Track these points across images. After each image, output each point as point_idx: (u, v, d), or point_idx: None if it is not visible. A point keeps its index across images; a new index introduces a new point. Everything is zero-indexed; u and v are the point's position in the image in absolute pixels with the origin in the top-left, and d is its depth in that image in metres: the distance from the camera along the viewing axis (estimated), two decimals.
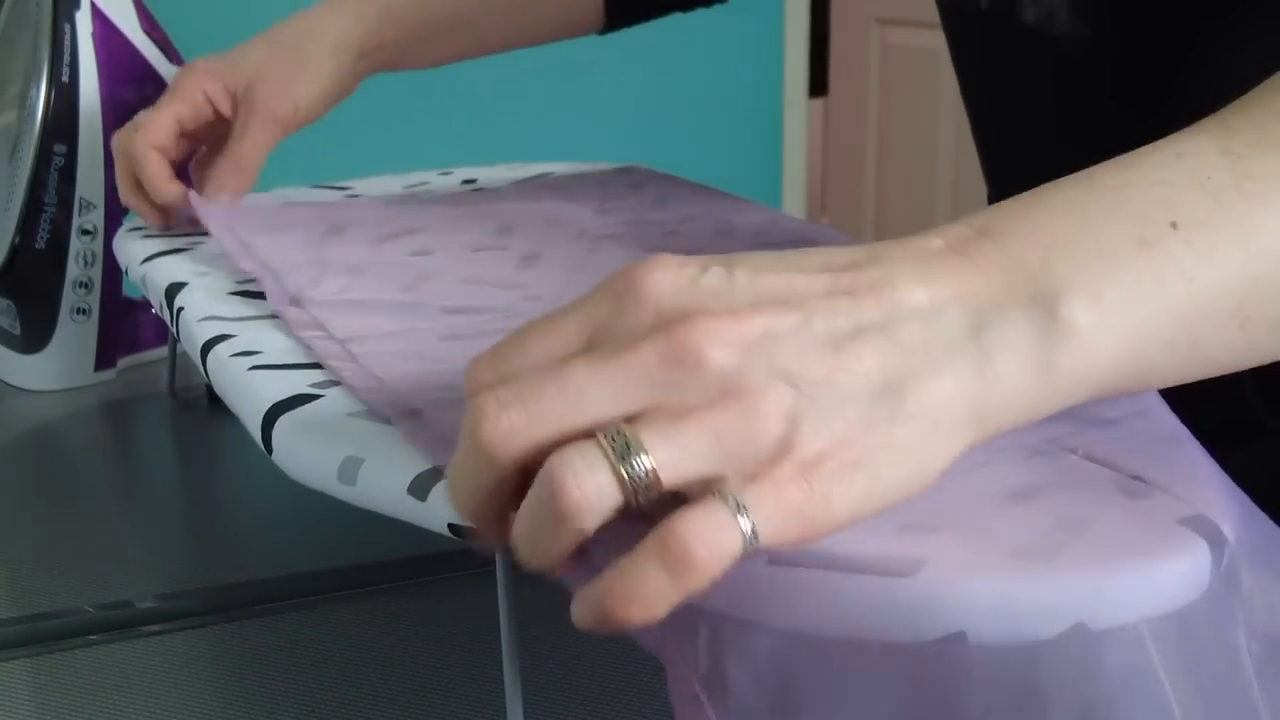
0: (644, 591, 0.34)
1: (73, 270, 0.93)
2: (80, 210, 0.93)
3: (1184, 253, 0.38)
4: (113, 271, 0.94)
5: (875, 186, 3.09)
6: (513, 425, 0.35)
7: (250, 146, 0.81)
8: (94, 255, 0.94)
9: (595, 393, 0.35)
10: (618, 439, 0.34)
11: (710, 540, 0.33)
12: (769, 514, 0.34)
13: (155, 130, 0.81)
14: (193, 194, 0.80)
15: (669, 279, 0.36)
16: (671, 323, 0.35)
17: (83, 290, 0.94)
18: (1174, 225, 0.38)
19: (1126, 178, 0.39)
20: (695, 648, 0.36)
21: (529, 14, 0.92)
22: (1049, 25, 0.66)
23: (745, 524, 0.34)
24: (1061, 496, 0.40)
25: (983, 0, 0.70)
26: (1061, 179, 0.40)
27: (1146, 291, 0.37)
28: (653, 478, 0.34)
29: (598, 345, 0.36)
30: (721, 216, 0.79)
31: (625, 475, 0.34)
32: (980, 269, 0.37)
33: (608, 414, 0.35)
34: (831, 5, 3.14)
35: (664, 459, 0.34)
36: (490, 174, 0.97)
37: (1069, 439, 0.44)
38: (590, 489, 0.34)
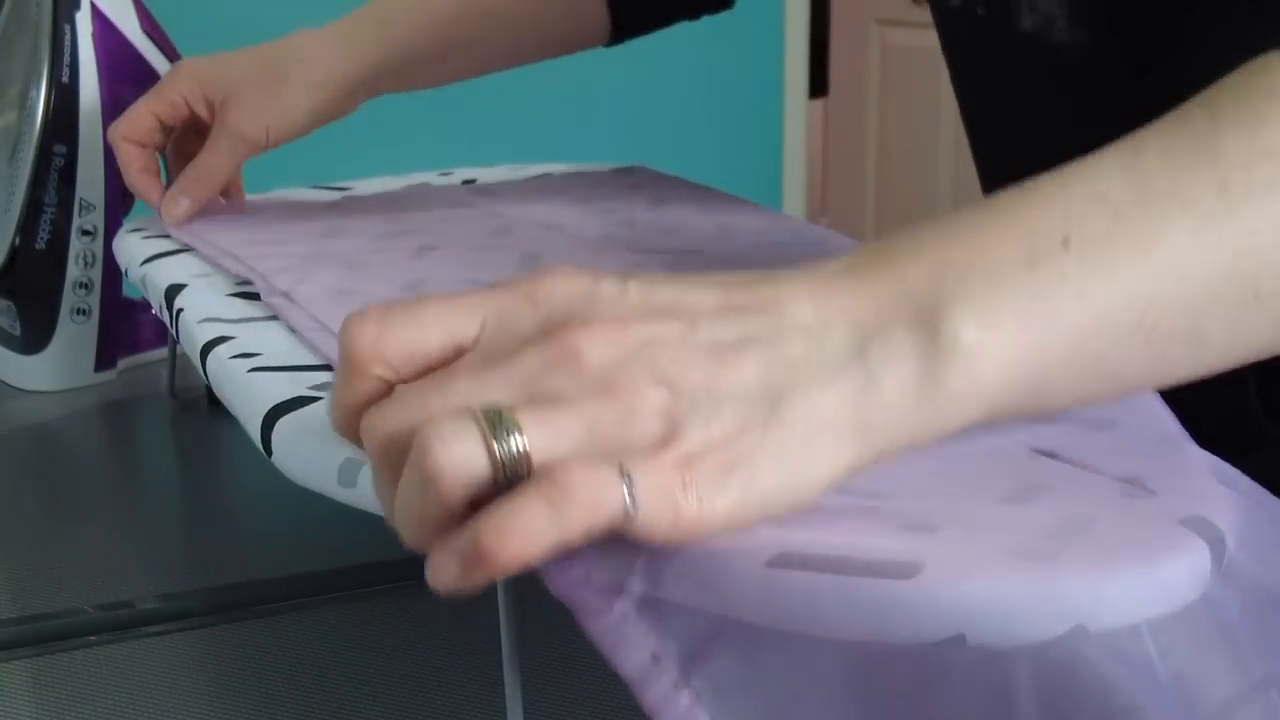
0: (523, 524, 0.34)
1: (73, 271, 0.93)
2: (80, 211, 0.93)
3: (1077, 269, 0.38)
4: (113, 272, 0.94)
5: (875, 187, 3.09)
6: (388, 417, 0.36)
7: (215, 161, 0.82)
8: (94, 256, 0.94)
9: (474, 389, 0.36)
10: (492, 414, 0.34)
11: (597, 488, 0.34)
12: (648, 491, 0.34)
13: (131, 124, 0.82)
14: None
15: (564, 286, 0.38)
16: (558, 326, 0.36)
17: (83, 291, 0.94)
18: (1066, 242, 0.38)
19: (1026, 200, 0.39)
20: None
21: (534, 30, 0.91)
22: (1047, 33, 0.66)
23: (626, 492, 0.34)
24: (1061, 498, 0.40)
25: (979, 7, 0.69)
26: (967, 205, 0.40)
27: (1035, 309, 0.37)
28: (522, 456, 0.34)
29: (485, 340, 0.37)
30: (721, 217, 0.79)
31: (495, 450, 0.34)
32: (869, 289, 0.38)
33: (486, 402, 0.35)
34: (831, 6, 3.14)
35: (537, 440, 0.34)
36: (490, 174, 0.97)
37: (1068, 442, 0.44)
38: (458, 454, 0.34)
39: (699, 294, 0.38)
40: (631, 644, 0.36)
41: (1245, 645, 0.38)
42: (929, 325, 0.37)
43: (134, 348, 0.99)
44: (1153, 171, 0.39)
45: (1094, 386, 0.39)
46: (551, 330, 0.36)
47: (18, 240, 0.92)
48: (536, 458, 0.34)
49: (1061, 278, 0.38)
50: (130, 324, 0.98)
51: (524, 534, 0.34)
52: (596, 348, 0.36)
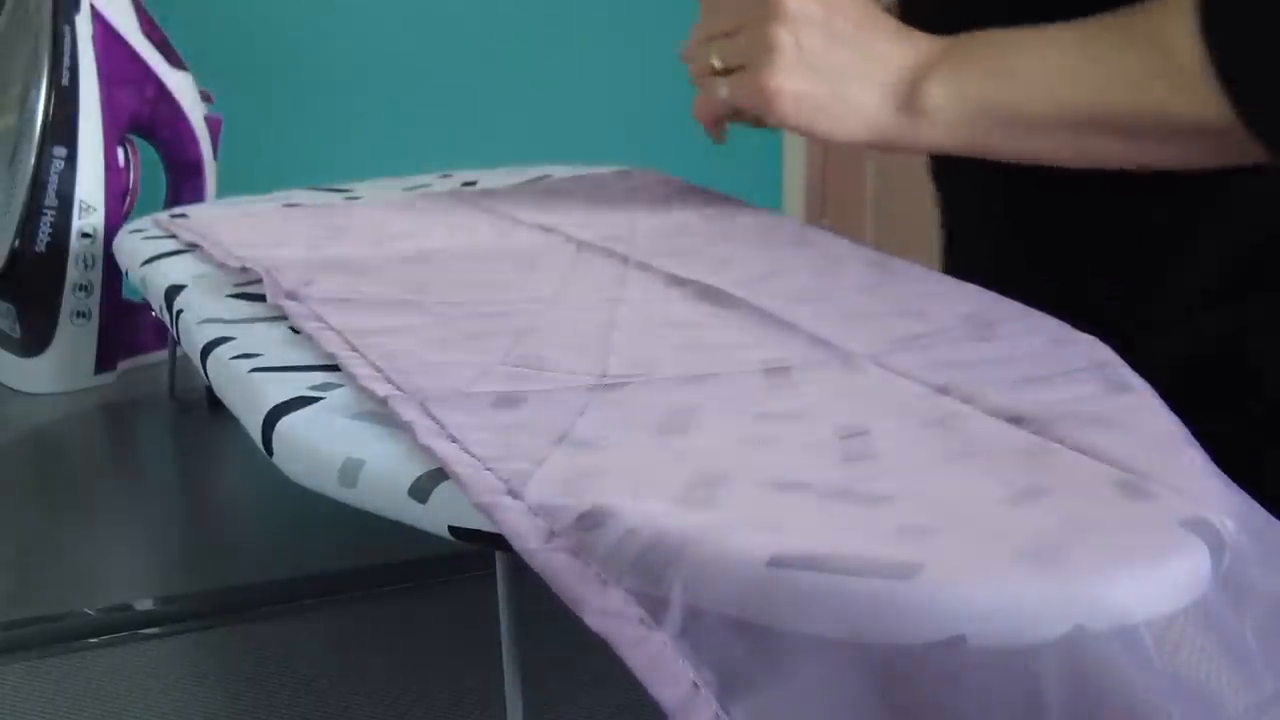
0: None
1: (73, 273, 0.93)
2: (80, 213, 0.93)
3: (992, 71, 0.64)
4: (113, 274, 0.94)
5: (875, 188, 3.09)
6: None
7: None
8: (94, 258, 0.94)
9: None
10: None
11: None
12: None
13: None
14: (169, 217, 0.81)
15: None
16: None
17: (83, 293, 0.94)
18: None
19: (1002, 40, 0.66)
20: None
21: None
22: None
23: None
24: (1061, 498, 0.40)
25: None
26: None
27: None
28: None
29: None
30: (722, 219, 0.80)
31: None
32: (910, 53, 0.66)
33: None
34: None
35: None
36: (491, 176, 0.97)
37: (1064, 430, 0.44)
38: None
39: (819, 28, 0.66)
40: (671, 674, 0.36)
41: (1253, 652, 0.38)
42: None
43: (134, 350, 0.99)
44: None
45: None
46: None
47: (18, 242, 0.92)
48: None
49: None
50: (130, 326, 0.98)
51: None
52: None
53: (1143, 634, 0.35)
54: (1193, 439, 0.44)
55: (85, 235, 0.93)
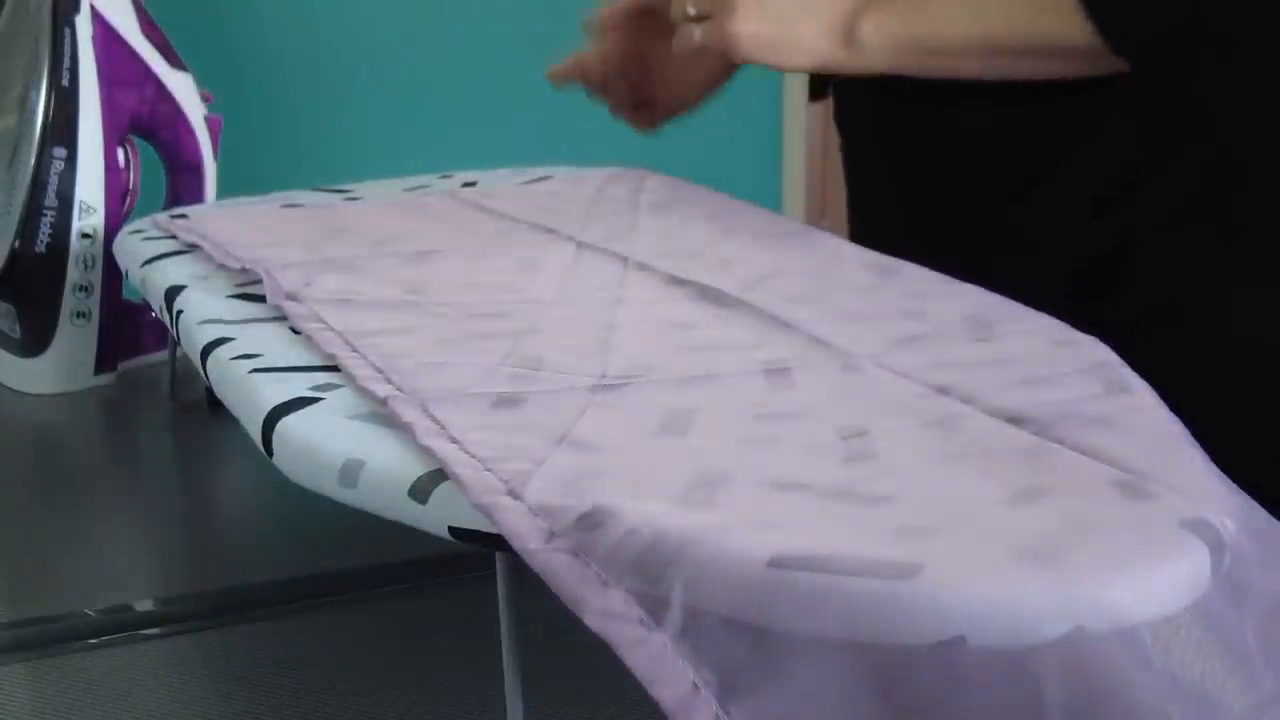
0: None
1: (73, 274, 0.93)
2: (80, 214, 0.93)
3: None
4: (113, 275, 0.94)
5: None
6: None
7: None
8: (94, 259, 0.94)
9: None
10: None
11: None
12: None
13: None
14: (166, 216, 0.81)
15: None
16: None
17: (83, 294, 0.94)
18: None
19: None
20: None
21: None
22: None
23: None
24: (1061, 499, 0.40)
25: None
26: None
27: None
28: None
29: None
30: (722, 220, 0.79)
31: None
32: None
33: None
34: None
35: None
36: (491, 177, 0.97)
37: (1064, 431, 0.44)
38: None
39: None
40: (671, 675, 0.36)
41: (1253, 652, 0.38)
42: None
43: (134, 350, 0.99)
44: None
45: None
46: None
47: (18, 243, 0.92)
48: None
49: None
50: (130, 327, 0.98)
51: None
52: None
53: (1142, 634, 0.35)
54: (1193, 439, 0.44)
55: (85, 236, 0.93)
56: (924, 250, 0.68)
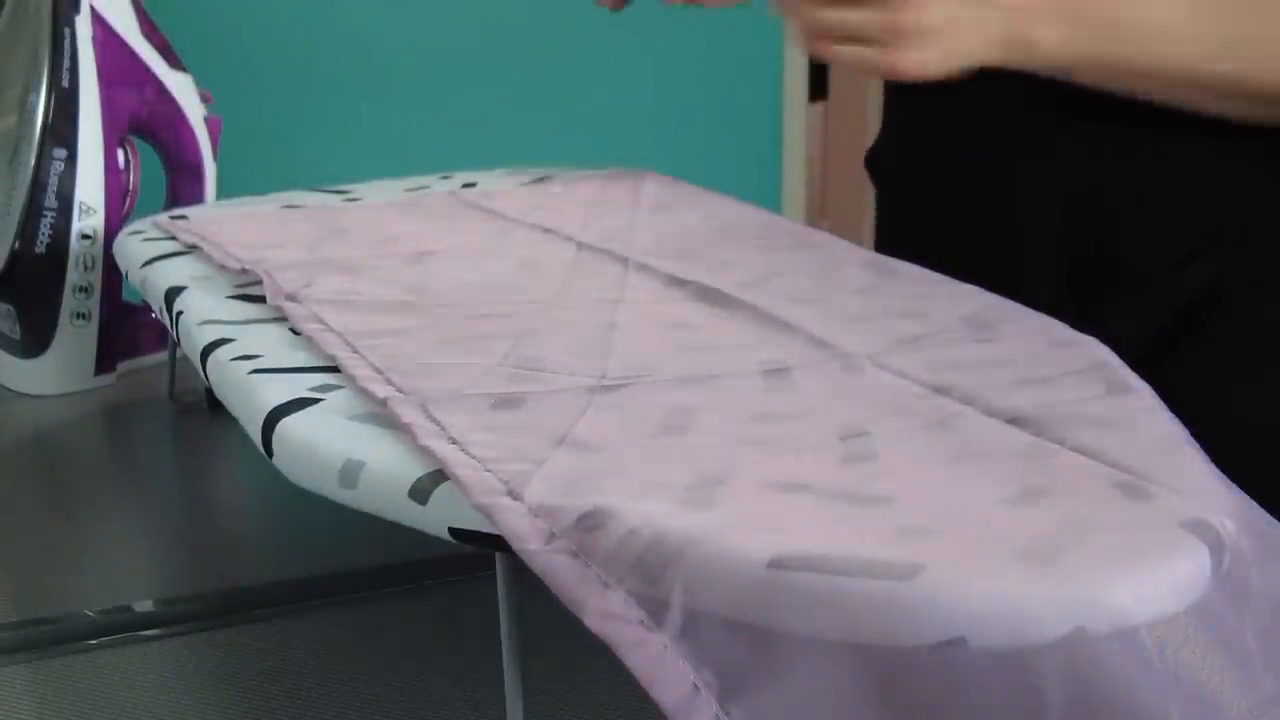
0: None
1: (73, 275, 0.93)
2: (80, 214, 0.93)
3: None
4: (113, 276, 0.94)
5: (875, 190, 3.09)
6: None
7: None
8: (94, 260, 0.94)
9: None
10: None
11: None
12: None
13: None
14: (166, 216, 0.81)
15: None
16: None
17: (83, 295, 0.94)
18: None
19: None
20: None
21: None
22: None
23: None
24: (1061, 500, 0.40)
25: None
26: None
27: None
28: None
29: None
30: (722, 221, 0.79)
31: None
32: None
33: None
34: None
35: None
36: (490, 178, 0.97)
37: (1064, 432, 0.44)
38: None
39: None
40: (671, 676, 0.36)
41: (1253, 653, 0.38)
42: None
43: (134, 351, 0.99)
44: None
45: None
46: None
47: (17, 244, 0.92)
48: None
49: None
50: (130, 328, 0.98)
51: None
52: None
53: (1143, 635, 0.35)
54: (1193, 439, 0.44)
55: (85, 237, 0.93)
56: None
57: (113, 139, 0.95)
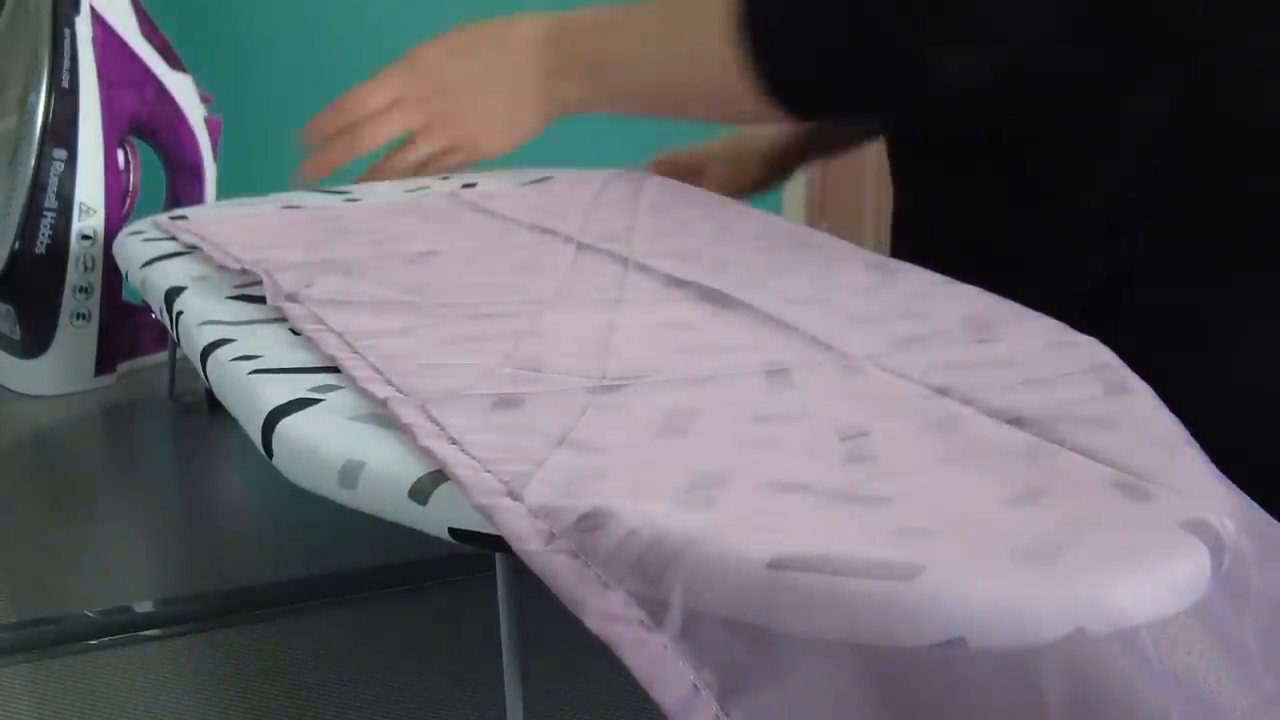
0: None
1: (73, 275, 0.93)
2: (80, 215, 0.93)
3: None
4: (113, 276, 0.94)
5: (875, 190, 3.09)
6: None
7: None
8: (94, 260, 0.94)
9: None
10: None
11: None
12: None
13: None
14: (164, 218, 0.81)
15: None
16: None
17: (83, 295, 0.94)
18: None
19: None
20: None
21: None
22: None
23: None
24: (1061, 500, 0.40)
25: None
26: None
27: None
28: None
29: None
30: (721, 221, 0.80)
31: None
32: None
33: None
34: None
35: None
36: (490, 179, 0.97)
37: (1064, 432, 0.44)
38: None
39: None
40: (672, 676, 0.36)
41: (1253, 653, 0.38)
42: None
43: (134, 352, 0.99)
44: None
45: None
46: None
47: (17, 244, 0.92)
48: None
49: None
50: (130, 328, 0.98)
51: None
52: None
53: (1143, 636, 0.35)
54: (1192, 439, 0.44)
55: (85, 237, 0.93)
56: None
57: (113, 139, 0.95)
